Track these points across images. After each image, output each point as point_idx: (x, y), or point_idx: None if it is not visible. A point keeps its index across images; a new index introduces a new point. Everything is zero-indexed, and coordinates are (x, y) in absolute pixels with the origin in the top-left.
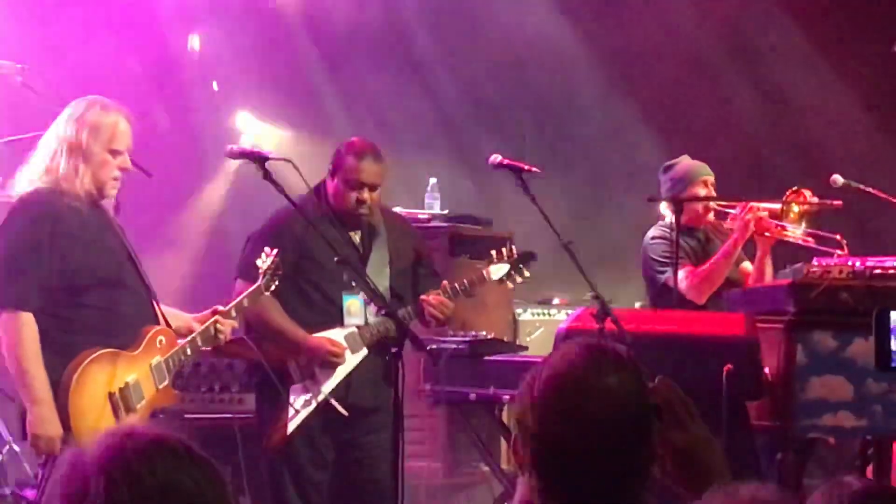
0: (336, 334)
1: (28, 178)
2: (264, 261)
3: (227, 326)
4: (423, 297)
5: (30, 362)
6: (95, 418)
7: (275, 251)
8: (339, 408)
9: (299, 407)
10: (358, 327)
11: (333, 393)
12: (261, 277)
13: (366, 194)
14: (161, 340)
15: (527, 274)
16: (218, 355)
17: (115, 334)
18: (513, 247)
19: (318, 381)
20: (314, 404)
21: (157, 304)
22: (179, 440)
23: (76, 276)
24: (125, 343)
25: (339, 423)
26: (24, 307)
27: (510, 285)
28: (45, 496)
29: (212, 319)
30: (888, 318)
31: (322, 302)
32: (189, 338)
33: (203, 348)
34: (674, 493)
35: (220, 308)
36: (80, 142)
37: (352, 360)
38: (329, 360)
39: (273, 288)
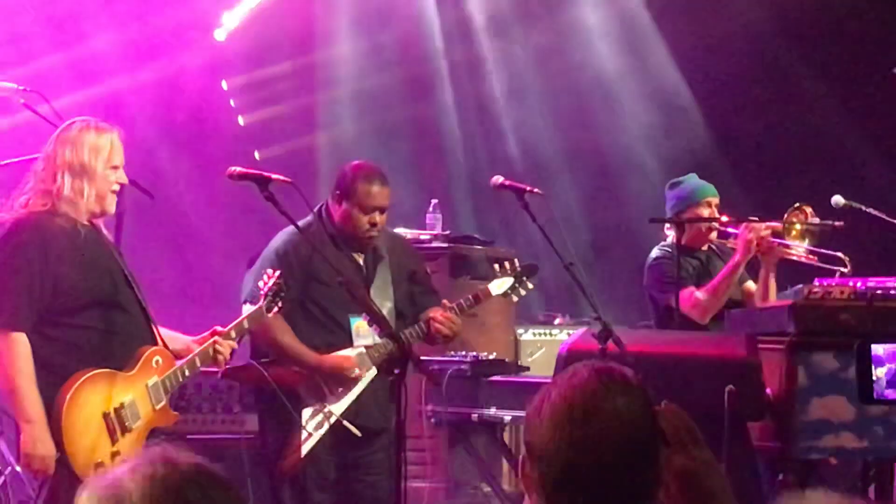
0: (346, 354)
1: (25, 202)
2: (266, 282)
3: (226, 348)
4: (431, 314)
5: (22, 381)
6: (90, 439)
7: (276, 273)
8: (353, 428)
9: (312, 429)
10: (366, 347)
11: (344, 414)
12: (262, 299)
13: (377, 217)
14: (157, 361)
15: (530, 286)
16: (227, 379)
17: (110, 355)
18: (515, 260)
19: (330, 402)
20: (327, 426)
21: (155, 326)
22: (210, 465)
23: (70, 297)
24: (121, 364)
25: (345, 443)
26: (16, 327)
27: (514, 299)
28: None
29: (210, 340)
30: (869, 350)
31: (329, 324)
32: (187, 358)
33: (202, 369)
34: None
35: (220, 329)
36: (84, 163)
37: (364, 380)
38: (347, 378)
39: (275, 309)
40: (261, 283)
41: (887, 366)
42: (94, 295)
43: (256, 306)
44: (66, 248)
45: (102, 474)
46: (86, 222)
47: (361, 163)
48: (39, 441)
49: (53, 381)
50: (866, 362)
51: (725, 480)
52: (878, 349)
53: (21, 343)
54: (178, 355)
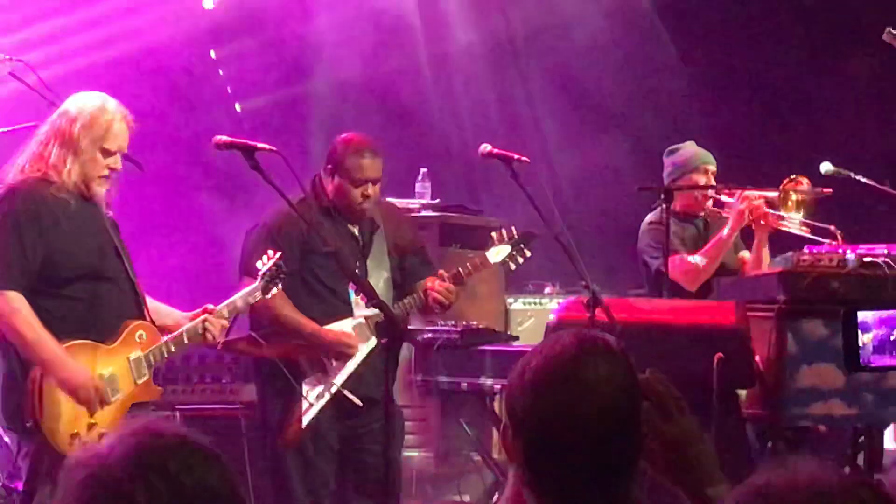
0: (345, 325)
1: (20, 166)
2: (265, 263)
3: (216, 326)
4: (427, 284)
5: (32, 331)
6: (68, 410)
7: (277, 254)
8: (354, 398)
9: (313, 400)
10: (366, 317)
11: (345, 384)
12: (259, 279)
13: (370, 189)
14: (141, 335)
15: (528, 254)
16: (227, 351)
17: (93, 327)
18: (512, 228)
19: (331, 373)
20: (328, 396)
21: (143, 300)
22: (199, 436)
23: (57, 267)
24: (104, 336)
25: (346, 413)
26: (11, 286)
27: (512, 267)
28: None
29: (201, 318)
30: (855, 317)
31: (329, 295)
32: (174, 334)
33: (188, 345)
34: (666, 491)
35: (211, 307)
36: (72, 134)
37: (362, 351)
38: (345, 353)
39: (274, 291)
40: (259, 264)
41: (874, 332)
42: (80, 267)
43: (252, 287)
44: (57, 218)
45: (87, 447)
46: (77, 197)
47: (351, 136)
48: (73, 377)
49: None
50: (852, 330)
51: (711, 448)
52: (864, 316)
53: (18, 299)
54: (169, 331)
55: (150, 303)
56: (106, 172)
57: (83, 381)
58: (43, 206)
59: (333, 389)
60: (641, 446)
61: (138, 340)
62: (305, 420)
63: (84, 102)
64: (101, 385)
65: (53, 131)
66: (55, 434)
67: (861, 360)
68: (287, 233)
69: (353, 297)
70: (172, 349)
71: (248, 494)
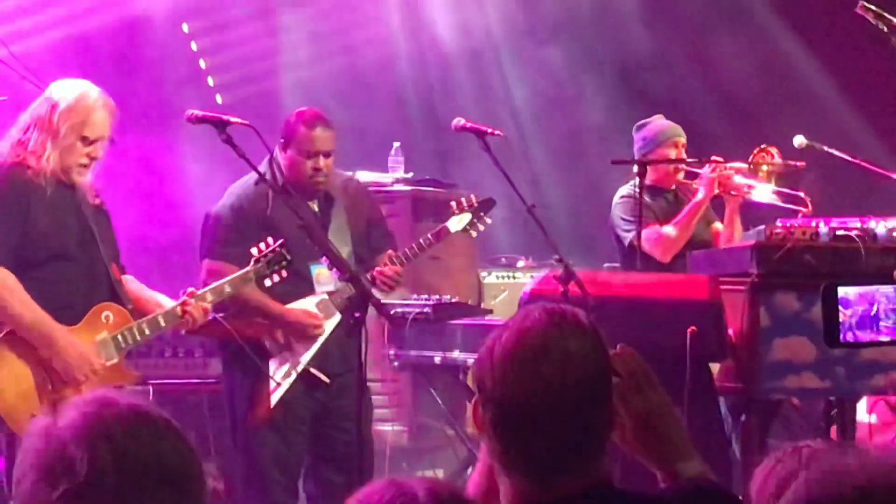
0: (308, 303)
1: (2, 149)
2: (263, 250)
3: (197, 310)
4: (377, 270)
5: (20, 306)
6: (22, 392)
7: (279, 241)
8: (321, 375)
9: (280, 379)
10: (328, 293)
11: (311, 361)
12: (252, 263)
13: (321, 162)
14: (108, 316)
15: (489, 221)
16: (192, 334)
17: (59, 309)
18: (472, 196)
19: (297, 351)
20: (294, 375)
21: (119, 286)
22: (157, 410)
23: (30, 251)
24: (68, 319)
25: (313, 389)
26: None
27: (473, 234)
28: (17, 469)
29: (180, 301)
30: (835, 293)
31: (289, 272)
32: (149, 316)
33: (166, 328)
34: (638, 465)
35: (192, 290)
36: (52, 121)
37: (327, 327)
38: (307, 333)
39: (268, 283)
40: (254, 251)
41: (854, 308)
42: (48, 249)
43: (244, 270)
44: (31, 202)
45: (46, 416)
46: (56, 183)
47: (304, 109)
48: (69, 352)
49: None
50: (833, 305)
51: (682, 422)
52: (845, 292)
53: (5, 273)
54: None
55: (142, 292)
56: (85, 161)
57: (76, 357)
58: (21, 191)
59: (300, 368)
60: (612, 421)
61: (104, 321)
62: (273, 399)
63: (65, 90)
64: (97, 362)
65: (34, 118)
66: (9, 417)
67: (841, 337)
68: (247, 212)
69: (313, 273)
70: (147, 332)
71: (214, 468)
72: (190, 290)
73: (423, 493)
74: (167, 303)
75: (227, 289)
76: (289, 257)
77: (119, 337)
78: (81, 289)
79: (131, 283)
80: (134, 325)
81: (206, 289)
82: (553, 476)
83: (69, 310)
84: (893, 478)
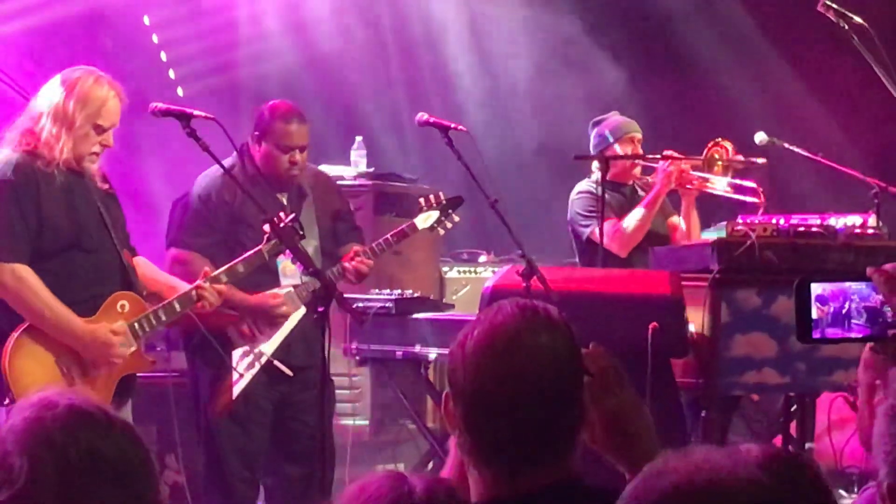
0: (274, 293)
1: (9, 139)
2: (276, 224)
3: (212, 293)
4: (344, 263)
5: (41, 303)
6: (39, 380)
7: (291, 216)
8: (284, 368)
9: (243, 370)
10: (294, 286)
11: (275, 354)
12: (265, 241)
13: (297, 156)
14: (123, 305)
15: (456, 219)
16: None
17: (73, 302)
18: (440, 193)
19: (260, 342)
20: (257, 366)
21: (133, 273)
22: (95, 404)
23: (41, 241)
24: (82, 310)
25: (279, 382)
26: (17, 259)
27: (441, 232)
28: None
29: (194, 284)
30: (808, 288)
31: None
32: (164, 302)
33: (182, 312)
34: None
35: (208, 270)
36: (67, 110)
37: (292, 319)
38: (274, 314)
39: (282, 255)
40: (266, 227)
41: (829, 305)
42: (59, 240)
43: (257, 248)
44: (41, 192)
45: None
46: (65, 172)
47: (278, 102)
48: (92, 343)
49: (8, 323)
50: (805, 301)
51: (650, 421)
52: (820, 289)
53: (26, 270)
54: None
55: (156, 275)
56: (98, 149)
57: (98, 349)
58: (34, 180)
59: (263, 360)
60: (582, 416)
61: (120, 310)
62: (236, 391)
63: (79, 77)
64: (121, 351)
65: (47, 106)
66: None
67: (813, 333)
68: (215, 202)
69: (279, 266)
70: (163, 318)
71: (179, 462)
72: (206, 269)
73: (421, 489)
74: (180, 285)
75: (241, 269)
76: (301, 231)
77: (136, 325)
78: (96, 279)
79: (143, 266)
80: (150, 313)
81: (220, 270)
82: (523, 469)
83: (88, 302)
84: (715, 477)
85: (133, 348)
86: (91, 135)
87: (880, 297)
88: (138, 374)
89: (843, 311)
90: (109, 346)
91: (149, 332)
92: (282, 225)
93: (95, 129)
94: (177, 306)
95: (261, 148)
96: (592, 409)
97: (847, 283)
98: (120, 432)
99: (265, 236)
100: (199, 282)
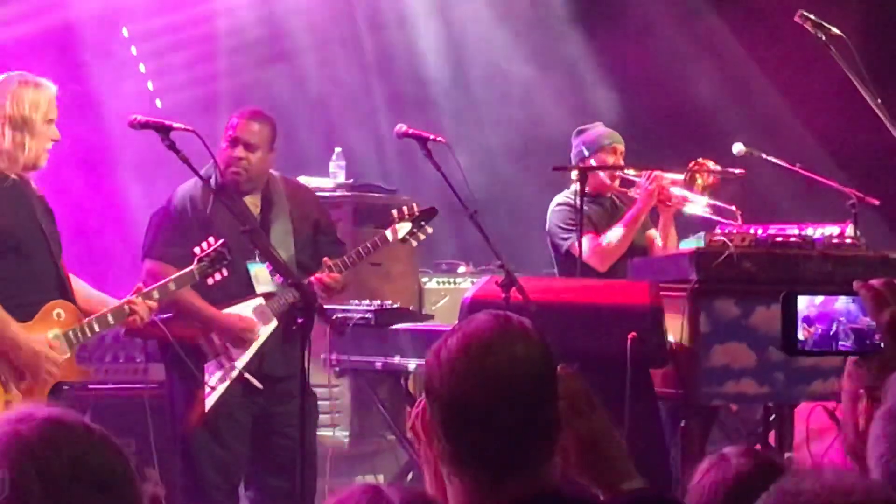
0: (245, 308)
1: None
2: (204, 249)
3: (143, 307)
4: (315, 277)
5: None
6: None
7: (220, 241)
8: (254, 381)
9: (214, 384)
10: (266, 298)
11: (247, 366)
12: (195, 262)
13: (240, 152)
14: (59, 313)
15: (429, 230)
16: (130, 336)
17: (11, 306)
18: (413, 204)
19: (232, 356)
20: (229, 381)
21: (68, 282)
22: (76, 417)
23: None
24: (21, 316)
25: (254, 393)
26: None
27: (414, 243)
28: None
29: (126, 298)
30: (795, 301)
31: (230, 271)
32: (98, 313)
33: (114, 325)
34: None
35: (140, 286)
36: (25, 116)
37: (263, 333)
38: (241, 338)
39: (213, 281)
40: (197, 250)
41: (815, 326)
42: (6, 246)
43: (187, 269)
44: None
45: None
46: (14, 175)
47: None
48: (28, 353)
49: None
50: (792, 313)
51: (623, 445)
52: (804, 305)
53: None
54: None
55: (84, 289)
56: (50, 145)
57: (33, 356)
58: None
59: (234, 374)
60: (559, 424)
61: (56, 318)
62: (208, 403)
63: (19, 84)
64: (56, 358)
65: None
66: None
67: (799, 346)
68: (189, 213)
69: (252, 272)
70: (96, 328)
71: (155, 474)
72: (139, 285)
73: (398, 500)
74: (110, 301)
75: (172, 286)
76: (229, 257)
77: (70, 334)
78: (33, 285)
79: (74, 280)
80: (85, 323)
81: (152, 287)
82: (503, 475)
83: (24, 308)
84: (850, 500)
85: (67, 356)
86: (45, 130)
87: (867, 318)
88: (118, 385)
89: (831, 333)
90: (44, 356)
91: (82, 342)
92: (210, 250)
93: (48, 124)
94: (110, 319)
95: (220, 149)
96: (566, 433)
97: (833, 302)
98: (99, 440)
99: (195, 258)
100: (130, 296)
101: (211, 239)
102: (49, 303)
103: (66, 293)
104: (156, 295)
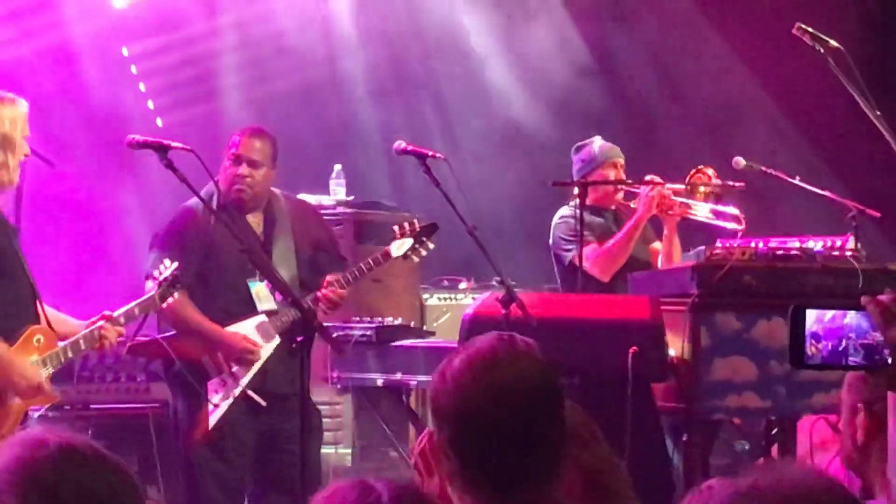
0: (247, 326)
1: None
2: (162, 272)
3: (112, 333)
4: (319, 293)
5: None
6: None
7: (174, 264)
8: (258, 398)
9: (218, 401)
10: (268, 315)
11: (251, 384)
12: (156, 287)
13: (244, 169)
14: (39, 339)
15: (431, 246)
16: (133, 355)
17: None
18: (415, 220)
19: (235, 374)
20: (232, 398)
21: (41, 305)
22: (86, 442)
23: None
24: (4, 338)
25: (258, 411)
26: None
27: (415, 260)
28: None
29: (96, 325)
30: (803, 315)
31: (228, 291)
32: (70, 339)
33: (85, 350)
34: None
35: (108, 313)
36: (6, 134)
37: (266, 350)
38: (245, 356)
39: (170, 300)
40: (155, 273)
41: (824, 343)
42: None
43: (148, 295)
44: None
45: None
46: None
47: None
48: (12, 377)
49: None
50: (800, 327)
51: (626, 473)
52: (813, 321)
53: None
54: (63, 338)
55: (51, 311)
56: (23, 158)
57: (21, 378)
58: None
59: (237, 391)
60: (564, 441)
61: (36, 344)
62: (212, 421)
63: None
64: (40, 382)
65: None
66: None
67: (806, 360)
68: (188, 234)
69: (252, 290)
70: (70, 354)
71: (160, 492)
72: (107, 313)
73: (387, 493)
74: (74, 324)
75: (137, 311)
76: (182, 280)
77: (47, 360)
78: (15, 308)
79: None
80: (59, 349)
81: (119, 311)
82: (509, 491)
83: (5, 332)
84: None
85: (42, 380)
86: (23, 147)
87: (877, 333)
88: (121, 405)
89: (840, 349)
90: (31, 379)
91: (55, 368)
92: (163, 277)
93: (23, 140)
94: (82, 344)
95: (222, 167)
96: (571, 466)
97: (842, 315)
98: (111, 469)
99: (155, 283)
100: (100, 322)
101: (167, 261)
102: (30, 328)
103: (38, 317)
104: (122, 319)
